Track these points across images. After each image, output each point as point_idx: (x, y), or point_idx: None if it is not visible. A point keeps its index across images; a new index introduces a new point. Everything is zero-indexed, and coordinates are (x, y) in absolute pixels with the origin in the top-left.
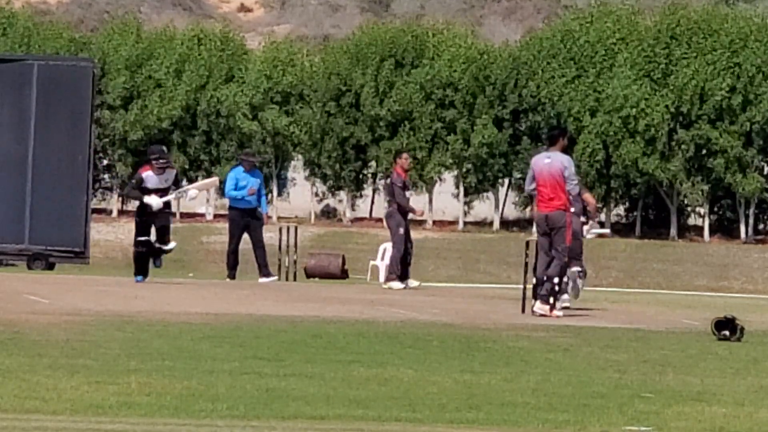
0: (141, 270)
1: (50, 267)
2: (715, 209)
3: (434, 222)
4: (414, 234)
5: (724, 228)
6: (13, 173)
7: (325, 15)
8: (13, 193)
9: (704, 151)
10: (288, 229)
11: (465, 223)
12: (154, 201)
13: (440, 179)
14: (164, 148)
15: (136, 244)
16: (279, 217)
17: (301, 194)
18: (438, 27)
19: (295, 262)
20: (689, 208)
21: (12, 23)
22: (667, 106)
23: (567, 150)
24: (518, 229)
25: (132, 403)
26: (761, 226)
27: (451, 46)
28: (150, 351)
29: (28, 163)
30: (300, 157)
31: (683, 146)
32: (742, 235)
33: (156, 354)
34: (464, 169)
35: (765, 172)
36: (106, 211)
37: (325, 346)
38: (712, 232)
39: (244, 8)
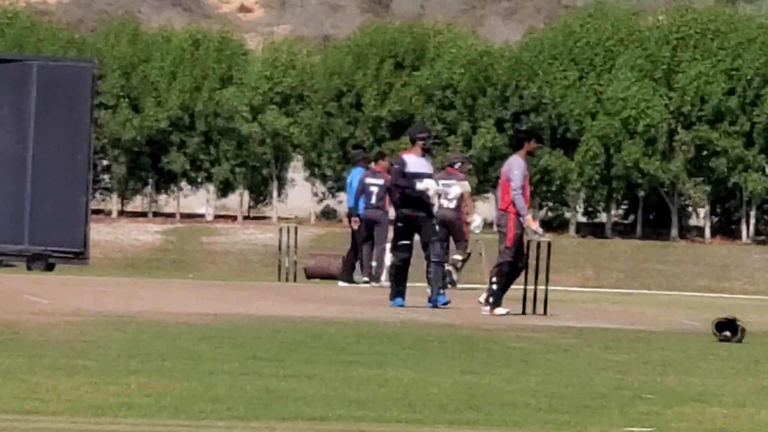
0: (401, 290)
1: (50, 267)
2: (717, 210)
3: None
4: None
5: (726, 229)
6: (13, 173)
7: (325, 15)
8: (12, 194)
9: (705, 152)
10: (288, 229)
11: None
12: (431, 185)
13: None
14: (428, 127)
15: (397, 251)
16: (279, 218)
17: (301, 195)
18: (439, 28)
19: (295, 262)
20: (690, 209)
21: (11, 23)
22: (667, 106)
23: (532, 153)
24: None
25: (132, 403)
26: (762, 227)
27: (452, 48)
28: (150, 351)
29: (27, 164)
30: (300, 157)
31: (684, 147)
32: (744, 236)
33: (156, 355)
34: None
35: (767, 172)
36: (105, 212)
37: (324, 346)
38: (713, 233)
39: (244, 8)
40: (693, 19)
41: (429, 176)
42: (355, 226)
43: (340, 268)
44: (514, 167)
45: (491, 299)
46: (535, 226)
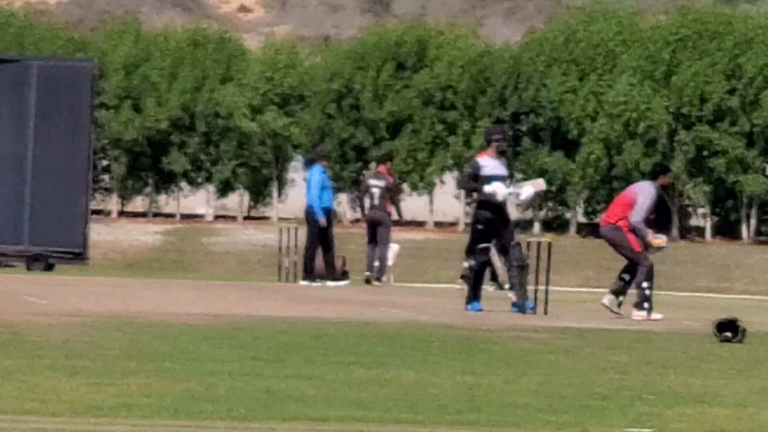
0: (479, 294)
1: (49, 268)
2: (717, 210)
3: (435, 223)
4: (415, 235)
5: (726, 229)
6: (13, 173)
7: (325, 15)
8: (12, 194)
9: (705, 153)
10: (288, 230)
11: (466, 225)
12: (499, 189)
13: (441, 182)
14: (506, 129)
15: (475, 254)
16: (279, 218)
17: (300, 195)
18: (440, 28)
19: (295, 263)
20: (691, 209)
21: (10, 23)
22: (667, 108)
23: (666, 187)
24: (518, 230)
25: (131, 404)
26: (763, 228)
27: (452, 49)
28: (150, 352)
29: (27, 164)
30: (300, 158)
31: (684, 147)
32: (744, 236)
33: (156, 355)
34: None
35: (767, 173)
36: (105, 212)
37: (325, 347)
38: (714, 233)
39: (244, 8)
40: (693, 19)
41: (504, 178)
42: (323, 224)
43: (339, 269)
44: (646, 196)
45: (645, 304)
46: (657, 242)
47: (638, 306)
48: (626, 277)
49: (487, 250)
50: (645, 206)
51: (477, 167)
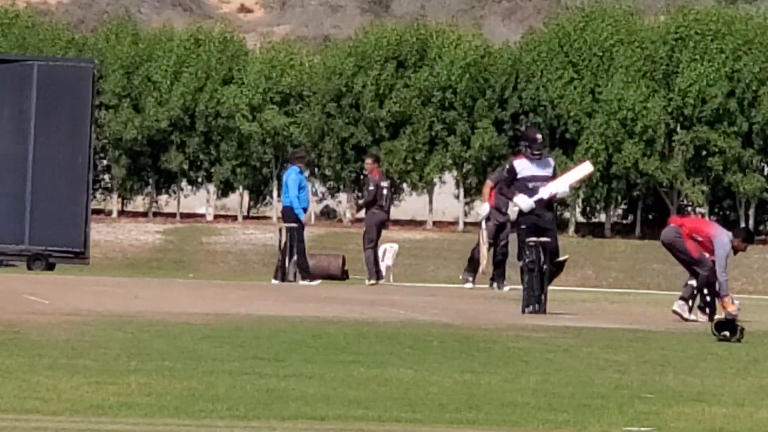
0: (539, 293)
1: (50, 267)
2: (716, 209)
3: (434, 223)
4: (414, 234)
5: (724, 228)
6: (13, 173)
7: (325, 15)
8: (13, 194)
9: (704, 152)
10: (288, 229)
11: (465, 224)
12: (523, 202)
13: (441, 181)
14: (539, 135)
15: (524, 254)
16: (279, 218)
17: None
18: (442, 28)
19: (295, 262)
20: (689, 209)
21: (12, 23)
22: (665, 108)
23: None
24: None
25: (132, 403)
26: (761, 227)
27: (454, 48)
28: (150, 351)
29: (28, 164)
30: None
31: (682, 147)
32: None
33: (156, 354)
34: (464, 170)
35: (765, 173)
36: (105, 212)
37: (325, 346)
38: None
39: (244, 9)
40: (695, 20)
41: (544, 178)
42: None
43: (339, 269)
44: (725, 251)
45: (707, 309)
46: (731, 308)
47: (701, 309)
48: (694, 283)
49: (536, 247)
50: (725, 261)
51: (513, 171)
